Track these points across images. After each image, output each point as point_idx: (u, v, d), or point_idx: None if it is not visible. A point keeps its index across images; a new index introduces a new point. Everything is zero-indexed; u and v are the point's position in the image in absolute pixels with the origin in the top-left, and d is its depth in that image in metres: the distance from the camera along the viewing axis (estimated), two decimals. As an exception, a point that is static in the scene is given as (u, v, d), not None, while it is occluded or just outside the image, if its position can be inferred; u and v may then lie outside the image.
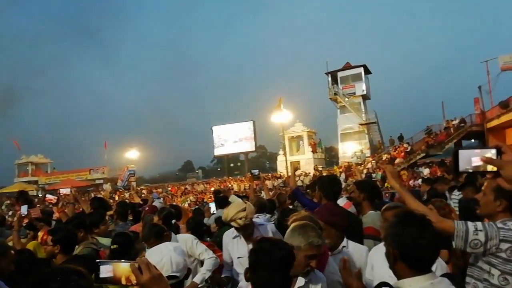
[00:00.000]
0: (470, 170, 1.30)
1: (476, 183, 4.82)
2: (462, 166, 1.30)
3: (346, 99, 33.90)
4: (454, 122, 26.02)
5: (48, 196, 6.59)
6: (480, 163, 1.25)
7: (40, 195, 38.54)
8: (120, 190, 36.57)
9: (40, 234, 4.07)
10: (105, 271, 1.25)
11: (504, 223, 1.95)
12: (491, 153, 1.23)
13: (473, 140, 25.84)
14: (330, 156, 46.89)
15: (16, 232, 4.19)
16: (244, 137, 39.10)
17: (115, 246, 3.16)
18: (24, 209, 4.51)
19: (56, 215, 5.97)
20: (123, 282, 1.25)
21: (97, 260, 1.28)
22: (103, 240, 3.91)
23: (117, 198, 27.54)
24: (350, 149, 33.81)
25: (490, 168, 1.23)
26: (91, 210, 4.95)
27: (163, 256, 1.97)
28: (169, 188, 37.72)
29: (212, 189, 25.90)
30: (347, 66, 35.75)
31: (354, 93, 34.29)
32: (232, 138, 39.47)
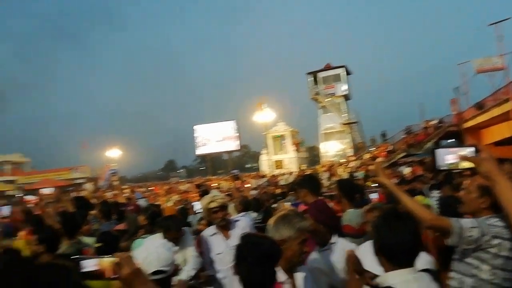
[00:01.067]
0: (446, 168, 1.37)
1: (453, 181, 4.98)
2: (439, 164, 1.37)
3: (327, 99, 34.29)
4: (432, 123, 26.60)
5: (27, 197, 6.33)
6: (455, 160, 1.32)
7: (17, 195, 37.51)
8: (102, 189, 35.92)
9: (22, 233, 4.00)
10: (87, 266, 1.28)
11: (488, 220, 2.04)
12: (469, 151, 1.31)
13: (451, 140, 26.53)
14: (313, 155, 47.29)
15: None
16: (227, 136, 39.04)
17: (100, 244, 3.16)
18: (5, 210, 4.43)
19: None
20: (107, 275, 1.28)
21: (76, 256, 1.30)
22: (86, 240, 3.88)
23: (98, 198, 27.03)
24: (332, 148, 34.22)
25: (464, 165, 1.30)
26: (74, 210, 4.89)
27: (149, 253, 1.99)
28: (152, 188, 37.30)
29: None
30: (328, 67, 36.16)
31: (335, 93, 34.72)
32: (215, 138, 39.35)
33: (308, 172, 23.16)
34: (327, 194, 6.45)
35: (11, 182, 42.59)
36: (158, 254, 2.00)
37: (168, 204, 8.26)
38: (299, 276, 2.05)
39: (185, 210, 6.45)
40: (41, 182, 39.99)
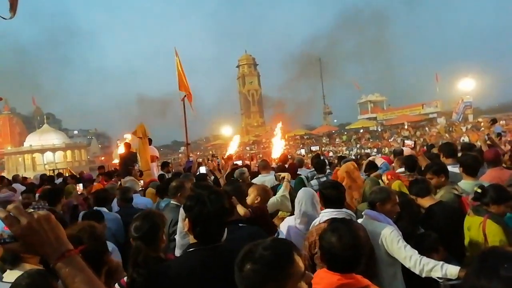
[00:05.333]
0: None
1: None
2: None
3: None
4: None
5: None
6: None
7: (379, 130, 42.88)
8: (456, 123, 34.84)
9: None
10: None
11: None
12: None
13: None
14: None
15: None
16: None
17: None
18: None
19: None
20: None
21: None
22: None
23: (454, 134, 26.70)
24: None
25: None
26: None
27: None
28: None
29: None
30: None
31: None
32: None
33: None
34: None
35: (372, 119, 48.94)
36: None
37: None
38: None
39: None
40: (397, 118, 43.61)
